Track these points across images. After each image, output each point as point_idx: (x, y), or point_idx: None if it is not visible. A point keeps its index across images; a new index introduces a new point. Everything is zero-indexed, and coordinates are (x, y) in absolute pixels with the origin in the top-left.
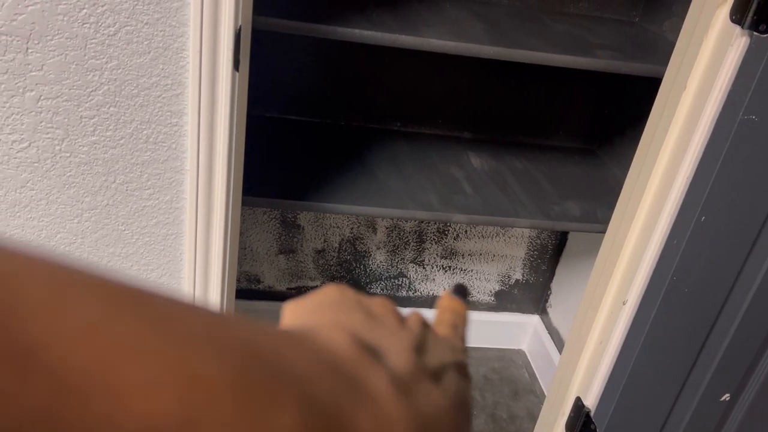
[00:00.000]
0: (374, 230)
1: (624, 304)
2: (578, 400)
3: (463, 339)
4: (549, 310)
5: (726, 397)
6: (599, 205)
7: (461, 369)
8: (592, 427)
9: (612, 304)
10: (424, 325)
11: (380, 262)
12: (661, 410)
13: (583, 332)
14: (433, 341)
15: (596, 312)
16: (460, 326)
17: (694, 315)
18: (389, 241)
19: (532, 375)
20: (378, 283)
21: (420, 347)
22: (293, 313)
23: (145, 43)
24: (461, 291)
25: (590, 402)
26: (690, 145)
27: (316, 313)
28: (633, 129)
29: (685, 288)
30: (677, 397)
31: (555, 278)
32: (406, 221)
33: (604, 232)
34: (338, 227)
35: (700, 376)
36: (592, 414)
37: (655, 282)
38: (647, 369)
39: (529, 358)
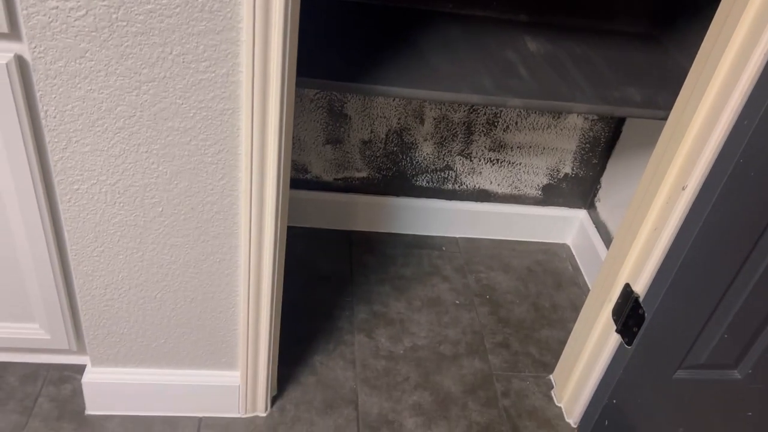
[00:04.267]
0: (422, 121)
1: (683, 189)
2: (627, 286)
3: None
4: (597, 204)
5: None
6: (660, 91)
7: None
8: (641, 311)
9: (670, 189)
10: None
11: (427, 154)
12: (711, 298)
13: (638, 219)
14: None
15: (653, 198)
16: None
17: (757, 200)
18: (437, 133)
19: (576, 268)
20: (424, 175)
21: None
22: None
23: None
24: None
25: (639, 288)
26: None
27: None
28: (699, 14)
29: (752, 171)
30: (729, 286)
31: (606, 172)
32: (455, 111)
33: (665, 118)
34: (385, 117)
35: (755, 264)
36: (641, 299)
37: (720, 165)
38: (701, 256)
39: (573, 252)
